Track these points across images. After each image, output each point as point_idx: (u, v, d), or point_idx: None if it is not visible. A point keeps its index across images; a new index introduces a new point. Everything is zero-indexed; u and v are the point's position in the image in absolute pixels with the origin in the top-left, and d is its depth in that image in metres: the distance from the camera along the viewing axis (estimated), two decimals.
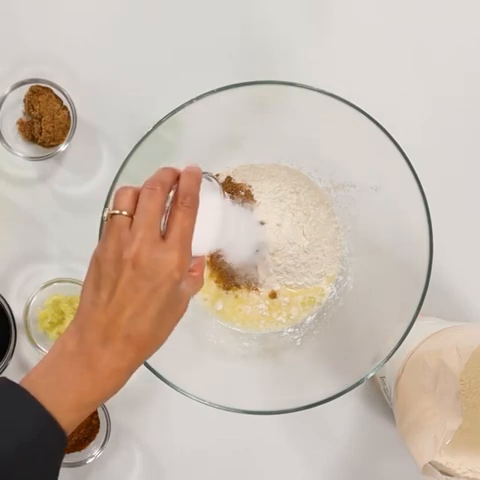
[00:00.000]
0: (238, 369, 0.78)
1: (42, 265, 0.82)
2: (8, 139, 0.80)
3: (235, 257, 0.77)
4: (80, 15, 0.83)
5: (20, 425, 0.50)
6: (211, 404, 0.69)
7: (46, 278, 0.81)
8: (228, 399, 0.69)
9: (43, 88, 0.80)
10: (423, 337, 0.72)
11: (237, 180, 0.80)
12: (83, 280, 0.55)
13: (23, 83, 0.80)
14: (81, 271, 0.58)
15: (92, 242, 0.59)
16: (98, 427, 0.81)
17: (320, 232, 0.79)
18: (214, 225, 0.62)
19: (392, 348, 0.68)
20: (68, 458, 0.79)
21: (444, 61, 0.84)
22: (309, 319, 0.80)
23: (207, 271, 0.79)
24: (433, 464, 0.67)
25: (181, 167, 0.56)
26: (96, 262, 0.54)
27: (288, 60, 0.83)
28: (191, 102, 0.68)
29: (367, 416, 0.83)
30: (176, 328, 0.56)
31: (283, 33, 0.83)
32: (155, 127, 0.68)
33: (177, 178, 0.55)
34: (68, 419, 0.52)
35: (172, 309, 0.54)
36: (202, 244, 0.57)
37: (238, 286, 0.79)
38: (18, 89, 0.80)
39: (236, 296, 0.80)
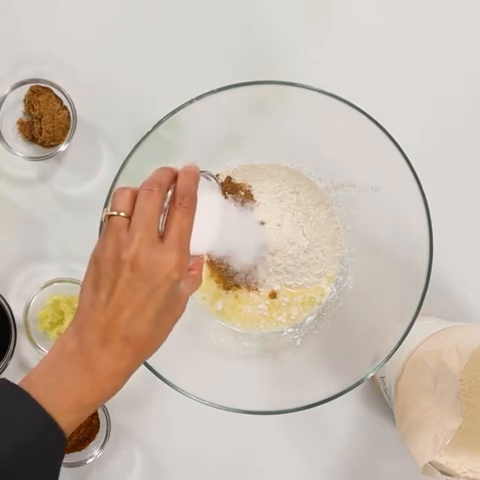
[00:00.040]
0: (238, 369, 0.78)
1: (42, 265, 0.82)
2: (8, 139, 0.80)
3: (235, 257, 0.77)
4: (80, 15, 0.83)
5: (20, 426, 0.50)
6: (211, 404, 0.69)
7: (46, 278, 0.81)
8: (228, 399, 0.69)
9: (43, 88, 0.80)
10: (423, 337, 0.72)
11: (237, 180, 0.80)
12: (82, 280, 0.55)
13: (23, 83, 0.80)
14: (81, 271, 0.58)
15: (92, 242, 0.59)
16: (98, 427, 0.81)
17: (320, 232, 0.79)
18: (213, 224, 0.61)
19: (392, 348, 0.68)
20: (68, 458, 0.79)
21: (444, 61, 0.84)
22: (309, 319, 0.80)
23: (207, 271, 0.79)
24: (433, 464, 0.67)
25: (180, 167, 0.56)
26: (95, 263, 0.54)
27: (288, 60, 0.83)
28: (191, 102, 0.68)
29: (367, 416, 0.83)
30: (176, 328, 0.56)
31: (283, 33, 0.83)
32: (155, 127, 0.68)
33: (175, 178, 0.55)
34: (68, 420, 0.52)
35: (170, 310, 0.54)
36: (200, 243, 0.57)
37: (238, 286, 0.79)
38: (18, 89, 0.80)
39: (236, 296, 0.80)
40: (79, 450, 0.80)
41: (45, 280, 0.80)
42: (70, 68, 0.82)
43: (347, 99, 0.68)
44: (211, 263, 0.79)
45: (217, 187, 0.62)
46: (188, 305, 0.56)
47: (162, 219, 0.53)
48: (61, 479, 0.53)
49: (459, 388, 0.64)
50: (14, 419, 0.50)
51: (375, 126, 0.68)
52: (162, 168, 0.55)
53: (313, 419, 0.82)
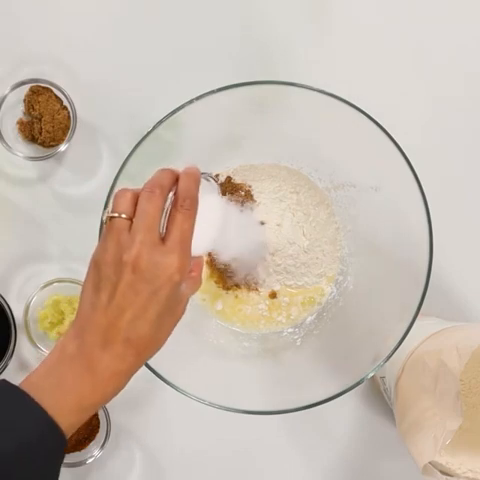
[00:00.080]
0: (238, 369, 0.78)
1: (42, 265, 0.82)
2: (8, 139, 0.80)
3: (235, 257, 0.77)
4: (80, 15, 0.83)
5: (20, 427, 0.50)
6: (211, 404, 0.69)
7: (46, 278, 0.81)
8: (228, 399, 0.69)
9: (43, 88, 0.80)
10: (423, 337, 0.72)
11: (237, 180, 0.80)
12: (83, 281, 0.55)
13: (23, 83, 0.80)
14: (81, 271, 0.58)
15: (92, 242, 0.59)
16: (98, 427, 0.81)
17: (320, 232, 0.79)
18: (213, 225, 0.62)
19: (392, 348, 0.68)
20: (68, 458, 0.79)
21: (444, 61, 0.84)
22: (309, 319, 0.80)
23: (207, 271, 0.79)
24: (433, 464, 0.67)
25: (180, 168, 0.56)
26: (95, 265, 0.54)
27: (288, 60, 0.83)
28: (191, 102, 0.68)
29: (367, 416, 0.83)
30: (176, 328, 0.56)
31: (283, 33, 0.83)
32: (155, 127, 0.68)
33: (176, 179, 0.55)
34: (68, 422, 0.52)
35: (171, 312, 0.54)
36: (201, 244, 0.57)
37: (238, 286, 0.79)
38: (18, 89, 0.80)
39: (236, 296, 0.80)
40: (79, 450, 0.80)
41: (45, 280, 0.80)
42: (70, 68, 0.82)
43: (347, 99, 0.68)
44: (211, 263, 0.79)
45: (217, 189, 0.62)
46: (188, 306, 0.56)
47: (163, 221, 0.53)
48: (61, 479, 0.53)
49: (459, 388, 0.64)
50: (15, 420, 0.50)
51: (375, 126, 0.68)
52: (163, 170, 0.55)
53: (313, 419, 0.82)
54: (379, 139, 0.68)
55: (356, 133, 0.70)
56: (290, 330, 0.80)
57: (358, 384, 0.68)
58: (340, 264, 0.80)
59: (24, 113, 0.82)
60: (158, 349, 0.55)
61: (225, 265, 0.78)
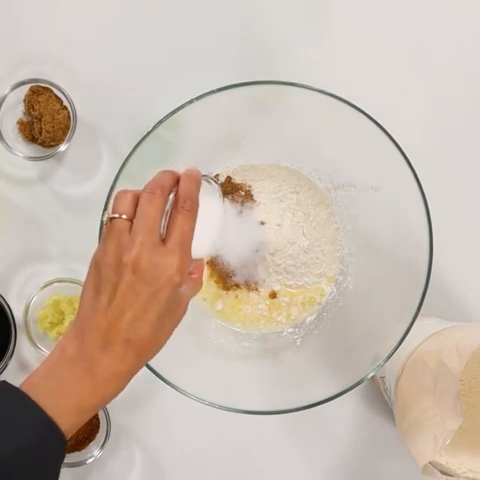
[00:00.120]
0: (238, 369, 0.78)
1: (42, 265, 0.82)
2: (8, 139, 0.80)
3: (235, 257, 0.77)
4: (80, 15, 0.83)
5: (20, 429, 0.50)
6: (211, 404, 0.69)
7: (46, 278, 0.81)
8: (228, 399, 0.69)
9: (43, 88, 0.80)
10: (423, 337, 0.72)
11: (237, 180, 0.80)
12: (83, 281, 0.55)
13: (23, 83, 0.80)
14: (81, 271, 0.58)
15: (92, 242, 0.59)
16: (98, 427, 0.81)
17: (320, 232, 0.79)
18: (213, 227, 0.62)
19: (392, 348, 0.68)
20: (68, 458, 0.79)
21: (444, 61, 0.84)
22: (309, 319, 0.80)
23: (207, 271, 0.79)
24: (433, 464, 0.67)
25: (181, 169, 0.56)
26: (96, 266, 0.54)
27: (288, 60, 0.83)
28: (191, 102, 0.68)
29: (367, 416, 0.83)
30: (176, 328, 0.56)
31: (283, 33, 0.83)
32: (155, 127, 0.68)
33: (177, 181, 0.55)
34: (68, 423, 0.52)
35: (172, 313, 0.54)
36: (201, 246, 0.57)
37: (238, 286, 0.79)
38: (18, 89, 0.80)
39: (236, 296, 0.80)
40: (79, 450, 0.80)
41: (45, 280, 0.80)
42: (70, 68, 0.82)
43: (347, 99, 0.68)
44: (211, 263, 0.79)
45: (218, 190, 0.62)
46: (188, 306, 0.56)
47: (164, 222, 0.53)
48: (61, 479, 0.53)
49: (459, 388, 0.64)
50: (15, 421, 0.50)
51: (375, 126, 0.68)
52: (164, 171, 0.55)
53: (313, 419, 0.82)
54: (379, 139, 0.68)
55: (356, 133, 0.70)
56: (290, 330, 0.80)
57: (358, 384, 0.68)
58: (340, 264, 0.80)
59: (24, 113, 0.82)
60: (158, 350, 0.55)
61: (225, 265, 0.78)
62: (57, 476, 0.52)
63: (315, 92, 0.68)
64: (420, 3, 0.84)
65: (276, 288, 0.80)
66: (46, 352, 0.79)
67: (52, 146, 0.81)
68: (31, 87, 0.80)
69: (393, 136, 0.68)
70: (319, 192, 0.80)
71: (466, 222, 0.84)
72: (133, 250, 0.52)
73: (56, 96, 0.81)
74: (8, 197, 0.82)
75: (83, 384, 0.52)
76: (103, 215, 0.55)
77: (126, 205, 0.54)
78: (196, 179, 0.55)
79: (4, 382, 0.53)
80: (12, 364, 0.78)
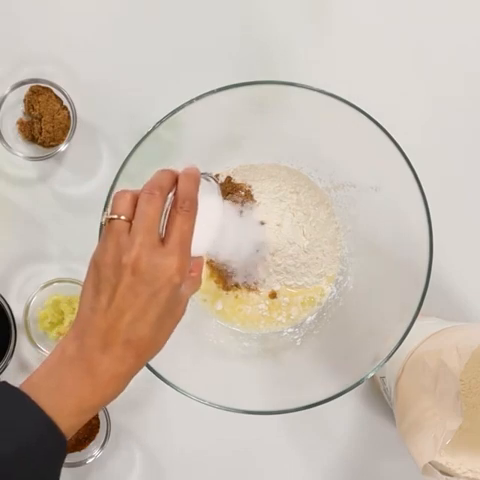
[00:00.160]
0: (238, 369, 0.78)
1: (42, 265, 0.82)
2: (8, 139, 0.80)
3: (235, 257, 0.77)
4: (80, 15, 0.83)
5: (20, 429, 0.50)
6: (211, 404, 0.69)
7: (46, 278, 0.81)
8: (228, 399, 0.69)
9: (43, 88, 0.80)
10: (423, 337, 0.72)
11: (237, 180, 0.80)
12: (83, 281, 0.55)
13: (23, 83, 0.80)
14: (81, 271, 0.58)
15: (92, 242, 0.59)
16: (98, 427, 0.81)
17: (320, 232, 0.79)
18: (213, 226, 0.62)
19: (392, 348, 0.68)
20: (68, 458, 0.79)
21: (444, 61, 0.84)
22: (309, 319, 0.80)
23: (207, 271, 0.79)
24: (433, 464, 0.67)
25: (180, 168, 0.56)
26: (95, 267, 0.54)
27: (288, 60, 0.83)
28: (191, 102, 0.68)
29: (367, 416, 0.83)
30: (176, 329, 0.56)
31: (283, 33, 0.83)
32: (155, 127, 0.68)
33: (175, 180, 0.55)
34: (68, 424, 0.52)
35: (171, 313, 0.54)
36: (200, 245, 0.57)
37: (238, 286, 0.79)
38: (18, 89, 0.80)
39: (236, 296, 0.80)
40: (79, 450, 0.80)
41: (45, 280, 0.80)
42: (70, 68, 0.82)
43: (347, 99, 0.68)
44: (211, 263, 0.79)
45: (217, 188, 0.62)
46: (188, 306, 0.56)
47: (163, 222, 0.53)
48: (61, 479, 0.53)
49: (459, 388, 0.64)
50: (14, 421, 0.50)
51: (375, 126, 0.68)
52: (163, 171, 0.55)
53: (313, 419, 0.82)
54: (379, 139, 0.68)
55: (356, 133, 0.70)
56: (290, 330, 0.80)
57: (358, 384, 0.68)
58: (340, 264, 0.80)
59: (24, 113, 0.82)
60: (158, 351, 0.55)
61: (225, 265, 0.78)
62: (57, 476, 0.52)
63: (315, 92, 0.68)
64: (420, 3, 0.84)
65: (276, 288, 0.80)
66: (46, 352, 0.79)
67: (52, 146, 0.81)
68: (31, 87, 0.80)
69: (393, 136, 0.68)
70: (319, 192, 0.80)
71: (466, 222, 0.84)
72: (132, 251, 0.52)
73: (56, 96, 0.81)
74: (8, 197, 0.82)
75: (83, 385, 0.52)
76: (102, 216, 0.55)
77: (125, 205, 0.53)
78: (195, 178, 0.55)
79: (4, 382, 0.53)
80: (12, 364, 0.78)
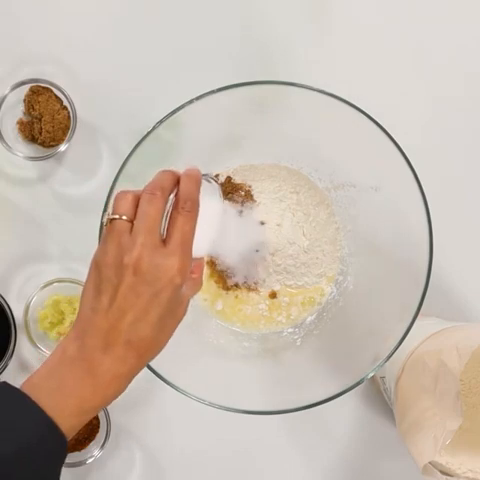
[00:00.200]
0: (238, 369, 0.78)
1: (42, 265, 0.82)
2: (8, 139, 0.80)
3: (235, 257, 0.77)
4: (80, 15, 0.83)
5: (20, 429, 0.50)
6: (211, 404, 0.69)
7: (46, 278, 0.81)
8: (228, 399, 0.69)
9: (43, 88, 0.80)
10: (423, 337, 0.72)
11: (237, 180, 0.80)
12: (83, 281, 0.55)
13: (23, 83, 0.80)
14: (81, 271, 0.58)
15: (92, 242, 0.59)
16: (98, 427, 0.81)
17: (320, 232, 0.79)
18: (213, 227, 0.62)
19: (392, 348, 0.68)
20: (68, 458, 0.78)
21: (444, 61, 0.84)
22: (309, 319, 0.80)
23: (207, 271, 0.79)
24: (433, 464, 0.67)
25: (181, 168, 0.56)
26: (96, 267, 0.53)
27: (288, 60, 0.83)
28: (191, 102, 0.68)
29: (367, 416, 0.83)
30: (177, 329, 0.56)
31: (283, 33, 0.83)
32: (155, 127, 0.68)
33: (177, 181, 0.55)
34: (69, 424, 0.52)
35: (173, 313, 0.54)
36: (201, 245, 0.57)
37: (238, 286, 0.79)
38: (18, 89, 0.80)
39: (236, 296, 0.80)
40: (79, 450, 0.80)
41: (45, 280, 0.80)
42: (70, 68, 0.82)
43: (347, 99, 0.68)
44: (211, 263, 0.79)
45: (218, 190, 0.62)
46: (188, 306, 0.56)
47: (164, 223, 0.53)
48: (61, 479, 0.53)
49: (459, 388, 0.64)
50: (15, 422, 0.50)
51: (375, 126, 0.68)
52: (164, 172, 0.55)
53: (313, 419, 0.82)
54: (379, 139, 0.68)
55: (356, 133, 0.70)
56: (290, 330, 0.80)
57: (358, 384, 0.68)
58: (340, 264, 0.80)
59: (24, 113, 0.82)
60: (159, 351, 0.55)
61: (225, 265, 0.78)
62: (58, 477, 0.52)
63: (315, 92, 0.68)
64: (420, 3, 0.84)
65: (276, 288, 0.80)
66: (46, 352, 0.79)
67: (52, 146, 0.81)
68: (31, 87, 0.80)
69: (393, 136, 0.68)
70: (319, 192, 0.80)
71: (466, 222, 0.84)
72: (134, 251, 0.52)
73: (56, 96, 0.81)
74: (8, 197, 0.82)
75: (84, 385, 0.52)
76: (103, 216, 0.55)
77: (126, 206, 0.53)
78: (196, 179, 0.55)
79: (4, 383, 0.53)
80: (12, 364, 0.78)
